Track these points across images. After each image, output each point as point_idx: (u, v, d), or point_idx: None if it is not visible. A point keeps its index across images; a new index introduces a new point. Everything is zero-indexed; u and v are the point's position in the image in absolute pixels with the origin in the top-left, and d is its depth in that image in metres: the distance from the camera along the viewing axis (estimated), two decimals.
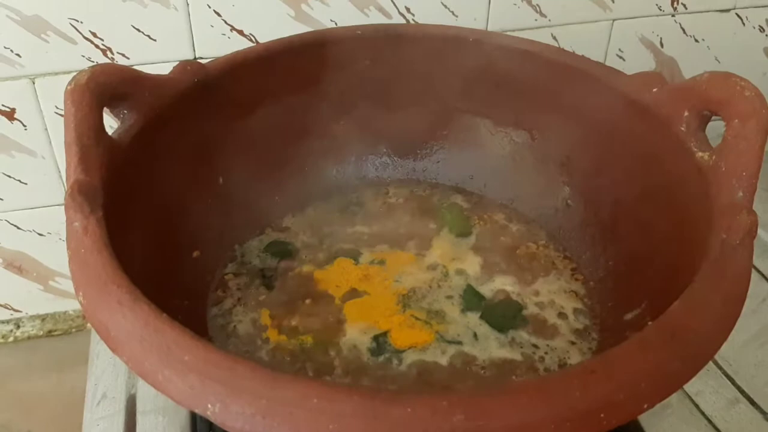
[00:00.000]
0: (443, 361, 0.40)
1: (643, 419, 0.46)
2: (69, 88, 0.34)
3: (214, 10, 0.54)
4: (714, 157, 0.34)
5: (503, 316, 0.43)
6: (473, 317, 0.43)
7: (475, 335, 0.41)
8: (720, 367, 0.50)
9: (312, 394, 0.24)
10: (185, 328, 0.27)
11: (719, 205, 0.33)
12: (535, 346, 0.41)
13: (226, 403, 0.25)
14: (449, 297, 0.44)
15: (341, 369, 0.40)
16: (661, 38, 0.65)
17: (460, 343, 0.41)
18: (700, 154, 0.36)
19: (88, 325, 0.57)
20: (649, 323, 0.28)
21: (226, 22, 0.55)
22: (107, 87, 0.35)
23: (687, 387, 0.49)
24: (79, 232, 0.31)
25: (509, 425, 0.24)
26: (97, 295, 0.29)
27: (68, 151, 0.33)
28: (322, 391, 0.25)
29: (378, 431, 0.24)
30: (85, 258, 0.30)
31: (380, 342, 0.41)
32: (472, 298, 0.44)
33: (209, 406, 0.25)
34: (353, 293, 0.44)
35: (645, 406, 0.26)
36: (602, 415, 0.25)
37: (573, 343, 0.42)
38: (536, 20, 0.61)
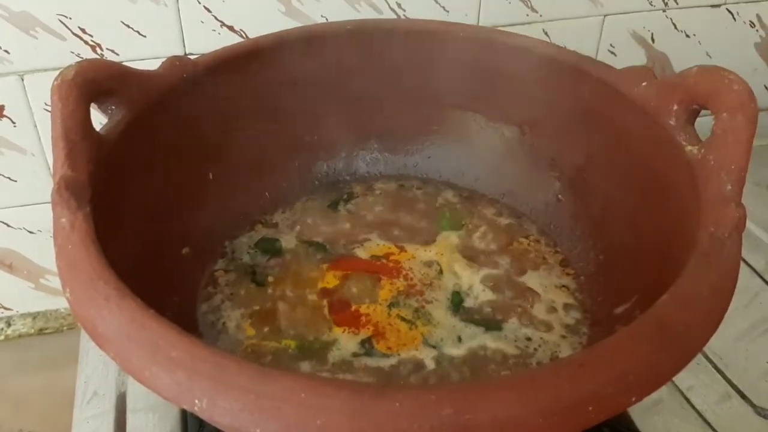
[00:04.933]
0: (431, 362, 0.40)
1: (635, 414, 0.46)
2: (56, 83, 0.34)
3: (204, 6, 0.54)
4: (703, 151, 0.34)
5: (485, 321, 0.43)
6: (457, 320, 0.42)
7: (459, 338, 0.41)
8: (711, 362, 0.50)
9: (300, 389, 0.24)
10: (172, 323, 0.27)
11: (708, 199, 0.33)
12: (529, 338, 0.41)
13: (214, 398, 0.25)
14: (437, 298, 0.44)
15: (327, 372, 0.39)
16: (652, 33, 0.66)
17: (444, 345, 0.41)
18: (689, 147, 0.36)
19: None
20: (638, 317, 0.28)
21: (216, 18, 0.55)
22: (94, 82, 0.35)
23: (678, 382, 0.49)
24: (66, 229, 0.31)
25: (498, 418, 0.24)
26: (84, 292, 0.29)
27: (55, 146, 0.33)
28: (309, 385, 0.24)
29: (366, 426, 0.24)
30: (72, 254, 0.30)
31: (366, 346, 0.41)
32: (458, 300, 0.44)
33: (197, 401, 0.25)
34: (344, 291, 0.44)
35: (633, 399, 0.26)
36: (590, 408, 0.25)
37: (564, 337, 0.42)
38: (527, 15, 0.61)
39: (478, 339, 0.41)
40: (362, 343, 0.41)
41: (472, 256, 0.47)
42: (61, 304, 0.64)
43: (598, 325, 0.42)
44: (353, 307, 0.43)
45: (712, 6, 0.66)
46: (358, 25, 0.49)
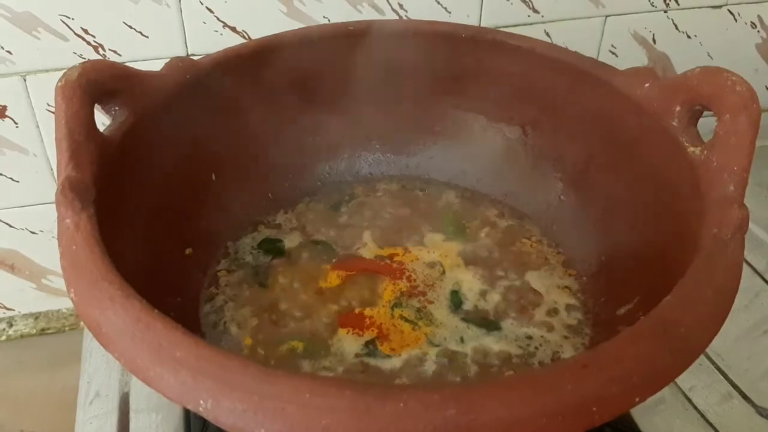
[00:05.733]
0: (434, 362, 0.40)
1: (637, 414, 0.46)
2: (59, 84, 0.34)
3: (207, 7, 0.54)
4: (705, 152, 0.35)
5: (487, 322, 0.43)
6: (459, 320, 0.43)
7: (462, 339, 0.41)
8: (713, 362, 0.50)
9: (304, 389, 0.24)
10: (177, 324, 0.27)
11: (711, 200, 0.33)
12: (530, 338, 0.41)
13: (218, 399, 0.25)
14: (439, 298, 0.44)
15: (329, 373, 0.39)
16: (653, 34, 0.66)
17: (448, 345, 0.41)
18: (692, 148, 0.36)
19: (82, 323, 0.57)
20: (641, 318, 0.28)
21: (218, 19, 0.55)
22: (98, 83, 0.35)
23: (680, 382, 0.49)
24: (70, 229, 0.31)
25: (501, 419, 0.24)
26: (89, 292, 0.29)
27: (59, 147, 0.33)
28: (314, 386, 0.25)
29: (370, 426, 0.24)
30: (76, 255, 0.30)
31: (370, 347, 0.41)
32: (457, 300, 0.44)
33: (201, 402, 0.25)
34: (347, 292, 0.44)
35: (636, 399, 0.26)
36: (594, 409, 0.25)
37: (566, 338, 0.42)
38: (529, 16, 0.61)
39: (480, 340, 0.41)
40: (366, 344, 0.41)
41: (474, 257, 0.47)
42: (62, 304, 0.64)
43: (600, 326, 0.42)
44: (357, 309, 0.43)
45: (714, 7, 0.66)
46: (360, 26, 0.49)
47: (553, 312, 0.43)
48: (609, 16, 0.63)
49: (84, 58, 0.53)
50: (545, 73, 0.46)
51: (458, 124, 0.52)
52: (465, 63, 0.49)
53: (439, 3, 0.58)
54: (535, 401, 0.25)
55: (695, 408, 0.47)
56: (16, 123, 0.54)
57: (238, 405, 0.25)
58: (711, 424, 0.46)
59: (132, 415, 0.47)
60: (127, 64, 0.39)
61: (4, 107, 0.54)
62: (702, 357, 0.50)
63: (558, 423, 0.25)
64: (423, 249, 0.47)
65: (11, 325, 0.64)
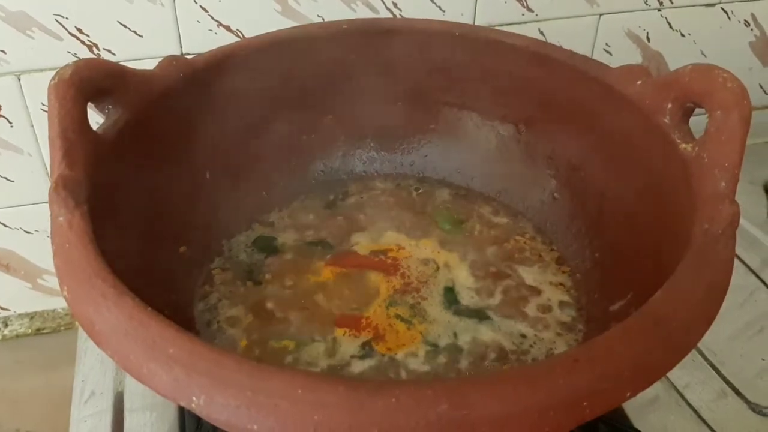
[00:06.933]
0: (428, 358, 0.40)
1: (631, 411, 0.47)
2: (52, 83, 0.34)
3: (201, 6, 0.54)
4: (697, 149, 0.35)
5: (479, 315, 0.43)
6: (452, 315, 0.43)
7: (455, 334, 0.41)
8: (707, 360, 0.50)
9: (297, 384, 0.24)
10: (170, 321, 0.27)
11: (702, 196, 0.33)
12: (524, 335, 0.42)
13: (211, 395, 0.25)
14: (432, 294, 0.44)
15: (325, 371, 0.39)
16: (647, 33, 0.66)
17: (442, 341, 0.41)
18: (684, 145, 0.36)
19: (77, 322, 0.57)
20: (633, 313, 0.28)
21: (212, 18, 0.55)
22: (91, 82, 0.35)
23: (674, 379, 0.49)
24: (63, 227, 0.31)
25: (493, 414, 0.24)
26: (82, 289, 0.29)
27: (52, 145, 0.33)
28: (306, 381, 0.25)
29: (363, 421, 0.24)
30: (69, 252, 0.30)
31: (366, 348, 0.41)
32: (452, 297, 0.44)
33: (194, 398, 0.25)
34: (342, 289, 0.44)
35: (628, 394, 0.26)
36: (585, 404, 0.25)
37: (560, 334, 0.42)
38: (523, 15, 0.61)
39: (472, 331, 0.41)
40: (362, 345, 0.41)
41: (468, 254, 0.47)
42: (58, 304, 0.64)
43: (593, 323, 0.42)
44: (353, 310, 0.43)
45: (707, 5, 0.66)
46: (354, 24, 0.49)
47: (546, 309, 0.43)
48: (603, 14, 0.63)
49: (78, 58, 0.53)
50: (539, 71, 0.47)
51: (452, 122, 0.52)
52: (459, 61, 0.49)
53: (433, 2, 0.58)
54: (527, 396, 0.25)
55: (689, 405, 0.47)
56: (10, 123, 0.54)
57: (230, 401, 0.25)
58: (705, 421, 0.46)
59: (126, 413, 0.47)
60: (121, 63, 0.39)
61: None
62: (696, 354, 0.50)
63: (550, 417, 0.25)
64: (417, 246, 0.47)
65: (6, 325, 0.64)
